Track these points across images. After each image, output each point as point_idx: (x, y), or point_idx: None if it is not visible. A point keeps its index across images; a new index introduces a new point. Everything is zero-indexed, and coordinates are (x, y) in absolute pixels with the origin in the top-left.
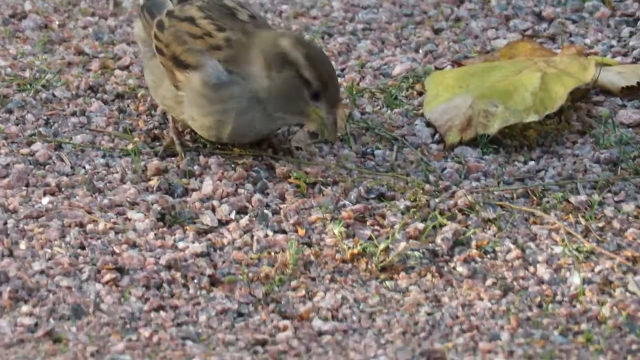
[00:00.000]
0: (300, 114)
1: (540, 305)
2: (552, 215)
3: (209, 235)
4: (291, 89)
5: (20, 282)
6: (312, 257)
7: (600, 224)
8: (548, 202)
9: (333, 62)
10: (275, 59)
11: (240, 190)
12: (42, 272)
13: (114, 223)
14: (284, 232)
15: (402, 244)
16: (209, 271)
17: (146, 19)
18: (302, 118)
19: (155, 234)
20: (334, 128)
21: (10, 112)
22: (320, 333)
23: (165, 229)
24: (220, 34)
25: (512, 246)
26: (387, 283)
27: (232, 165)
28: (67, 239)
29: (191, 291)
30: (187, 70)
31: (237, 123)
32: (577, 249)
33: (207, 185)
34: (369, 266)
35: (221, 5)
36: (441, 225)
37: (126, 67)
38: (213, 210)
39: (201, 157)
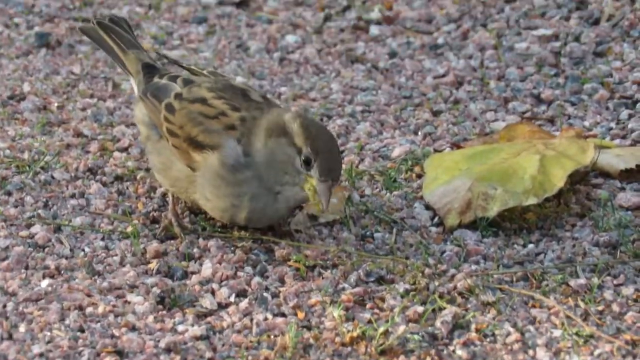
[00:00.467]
0: (294, 183)
1: None
2: (552, 299)
3: (209, 319)
4: (283, 155)
5: None
6: (311, 341)
7: (600, 308)
8: (547, 285)
9: None
10: (275, 131)
11: (240, 273)
12: (41, 354)
13: (114, 306)
14: (283, 315)
15: (402, 327)
16: (208, 354)
17: (152, 103)
18: (296, 189)
19: (155, 317)
20: (326, 198)
21: (9, 194)
22: None
23: (164, 312)
24: (235, 114)
25: (511, 329)
26: None
27: (232, 248)
28: (67, 321)
29: None
30: (204, 150)
31: (250, 207)
32: (576, 333)
33: (207, 268)
34: (369, 349)
35: (232, 86)
36: (441, 309)
37: (125, 149)
38: (212, 293)
39: (200, 240)
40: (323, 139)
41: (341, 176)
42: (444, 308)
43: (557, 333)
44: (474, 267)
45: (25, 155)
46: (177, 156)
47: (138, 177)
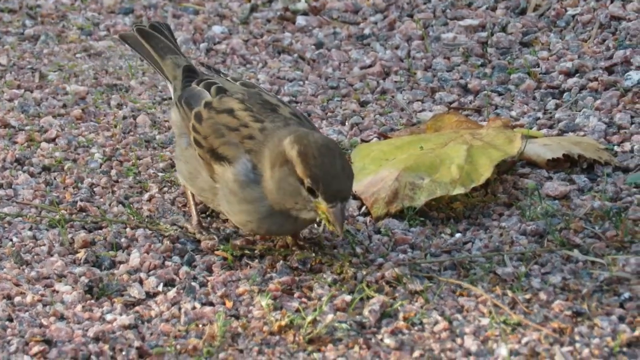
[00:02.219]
0: (307, 209)
1: None
2: (479, 287)
3: (137, 308)
4: (289, 186)
5: None
6: (239, 329)
7: (527, 296)
8: (475, 274)
9: None
10: (277, 158)
11: (168, 263)
12: None
13: (42, 295)
14: (211, 304)
15: (330, 316)
16: (137, 343)
17: (184, 111)
18: (311, 213)
19: (83, 306)
20: (338, 223)
21: None
22: None
23: (93, 301)
24: (256, 124)
25: (439, 318)
26: (315, 355)
27: (159, 238)
28: None
29: None
30: (222, 163)
31: (263, 223)
32: (504, 321)
33: (135, 258)
34: (297, 338)
35: (263, 101)
36: (368, 298)
37: (52, 140)
38: (140, 282)
39: (128, 230)
40: (323, 165)
41: (350, 192)
42: (372, 297)
43: (484, 321)
44: (401, 256)
45: None
46: (203, 166)
47: (65, 167)
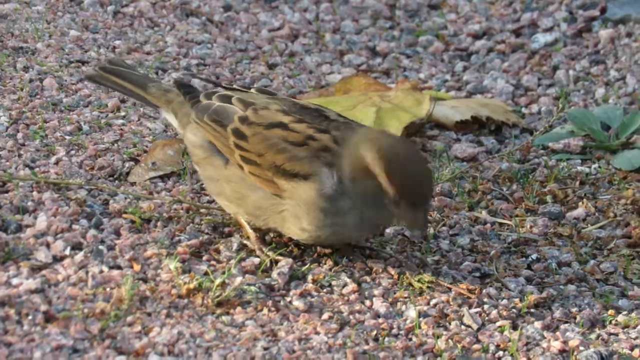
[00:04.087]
0: (390, 213)
1: (376, 339)
2: (388, 249)
3: (44, 272)
4: (375, 197)
5: None
6: (147, 293)
7: (436, 258)
8: (384, 235)
9: None
10: (359, 170)
11: (75, 226)
12: None
13: None
14: (119, 267)
15: (239, 279)
16: (43, 307)
17: (213, 128)
18: (394, 217)
19: None
20: (421, 225)
21: None
22: None
23: None
24: (324, 135)
25: (348, 280)
26: (223, 318)
27: (66, 201)
28: None
29: (25, 327)
30: (294, 179)
31: (352, 232)
32: (412, 283)
33: (41, 221)
34: (205, 301)
35: (304, 107)
36: (277, 261)
37: None
38: (47, 246)
39: (34, 193)
40: (408, 173)
41: (432, 194)
42: (281, 260)
43: (393, 283)
44: None
45: None
46: (259, 184)
47: None
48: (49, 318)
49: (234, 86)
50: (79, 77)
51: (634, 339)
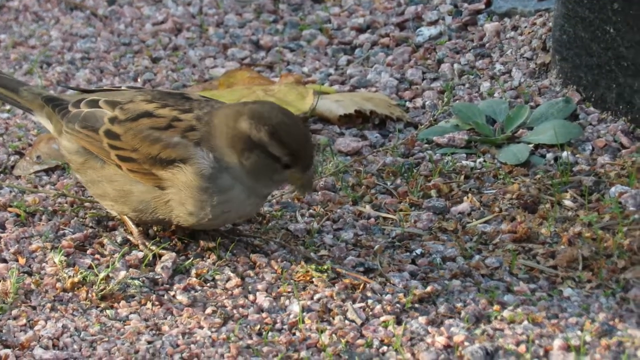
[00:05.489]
0: (280, 180)
1: (260, 333)
2: (272, 244)
3: None
4: (264, 167)
5: None
6: (32, 286)
7: (320, 252)
8: (269, 230)
9: None
10: (242, 143)
11: None
12: None
13: None
14: (4, 261)
15: (122, 273)
16: None
17: (86, 134)
18: (283, 182)
19: None
20: (310, 185)
21: None
22: None
23: None
24: (188, 115)
25: (232, 274)
26: (108, 311)
27: None
28: None
29: None
30: (171, 166)
31: (240, 207)
32: (296, 277)
33: None
34: (90, 295)
35: (168, 93)
36: (160, 255)
37: None
38: None
39: None
40: (295, 137)
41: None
42: (164, 254)
43: (277, 278)
44: None
45: None
46: (139, 180)
47: None
48: None
49: (104, 87)
50: None
51: (520, 334)
